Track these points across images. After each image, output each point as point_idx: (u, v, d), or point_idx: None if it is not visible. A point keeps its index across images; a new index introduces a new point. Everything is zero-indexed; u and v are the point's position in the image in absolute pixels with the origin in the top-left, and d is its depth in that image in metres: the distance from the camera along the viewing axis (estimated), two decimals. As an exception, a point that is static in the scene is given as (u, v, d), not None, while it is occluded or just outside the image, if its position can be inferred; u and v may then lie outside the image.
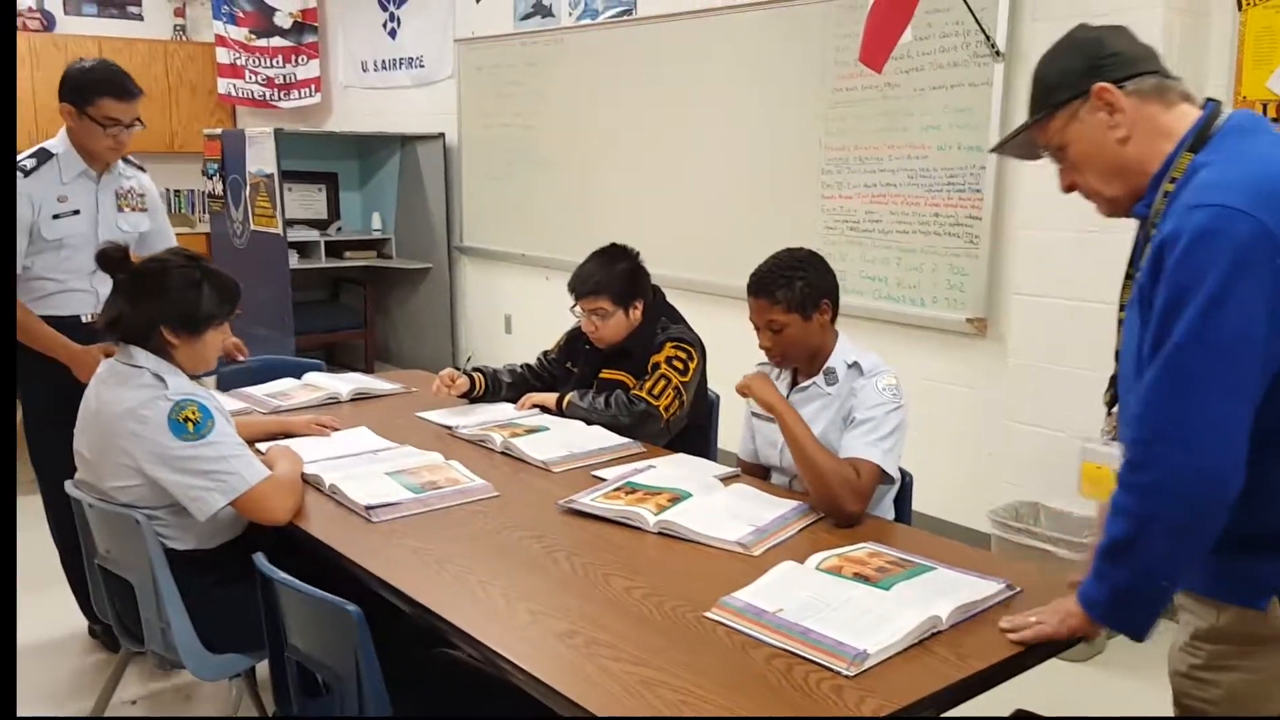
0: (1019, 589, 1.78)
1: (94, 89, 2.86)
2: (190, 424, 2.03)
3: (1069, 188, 1.59)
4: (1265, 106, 3.07)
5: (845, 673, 1.49)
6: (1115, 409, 1.58)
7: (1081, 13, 3.13)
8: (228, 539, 2.22)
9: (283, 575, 1.77)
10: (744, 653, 1.58)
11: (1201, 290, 1.32)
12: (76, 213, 2.94)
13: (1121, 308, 1.55)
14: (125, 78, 2.93)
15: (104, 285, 2.42)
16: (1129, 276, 1.56)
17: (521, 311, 5.89)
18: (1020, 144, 1.62)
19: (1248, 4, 3.08)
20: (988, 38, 3.54)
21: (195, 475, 2.04)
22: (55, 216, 2.91)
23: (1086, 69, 1.51)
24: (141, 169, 3.21)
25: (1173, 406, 1.35)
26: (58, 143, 2.95)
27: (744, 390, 2.34)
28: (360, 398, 3.17)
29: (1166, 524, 1.38)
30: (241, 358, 3.05)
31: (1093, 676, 3.10)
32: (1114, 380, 1.59)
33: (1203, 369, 1.33)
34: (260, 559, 1.83)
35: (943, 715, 1.54)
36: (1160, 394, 1.36)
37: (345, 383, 3.25)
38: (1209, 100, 1.50)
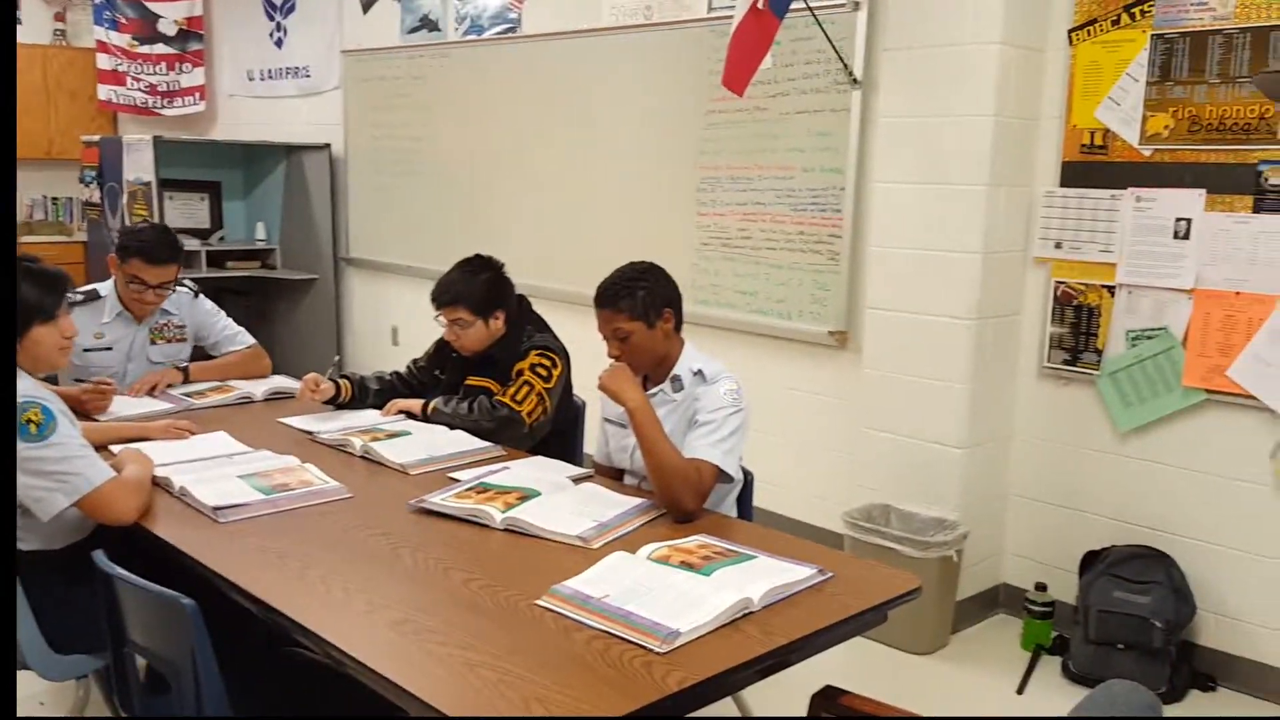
0: (831, 574, 1.91)
1: (130, 250, 3.22)
2: (33, 425, 2.04)
3: None
4: (1093, 135, 3.32)
5: (657, 650, 1.60)
6: None
7: (927, 43, 3.37)
8: (74, 540, 2.22)
9: (120, 571, 1.80)
10: (567, 636, 1.67)
11: None
12: (109, 349, 3.30)
13: None
14: (162, 245, 3.27)
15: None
16: None
17: (408, 323, 5.91)
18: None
19: (1077, 39, 3.33)
20: (845, 66, 3.74)
21: (38, 476, 2.05)
22: (86, 350, 3.23)
23: None
24: (196, 293, 3.52)
25: None
26: (107, 286, 3.33)
27: (603, 387, 2.41)
28: (274, 397, 3.30)
29: None
30: (97, 412, 2.95)
31: (936, 669, 3.28)
32: None
33: None
34: (100, 556, 1.86)
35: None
36: None
37: (260, 384, 3.38)
38: None
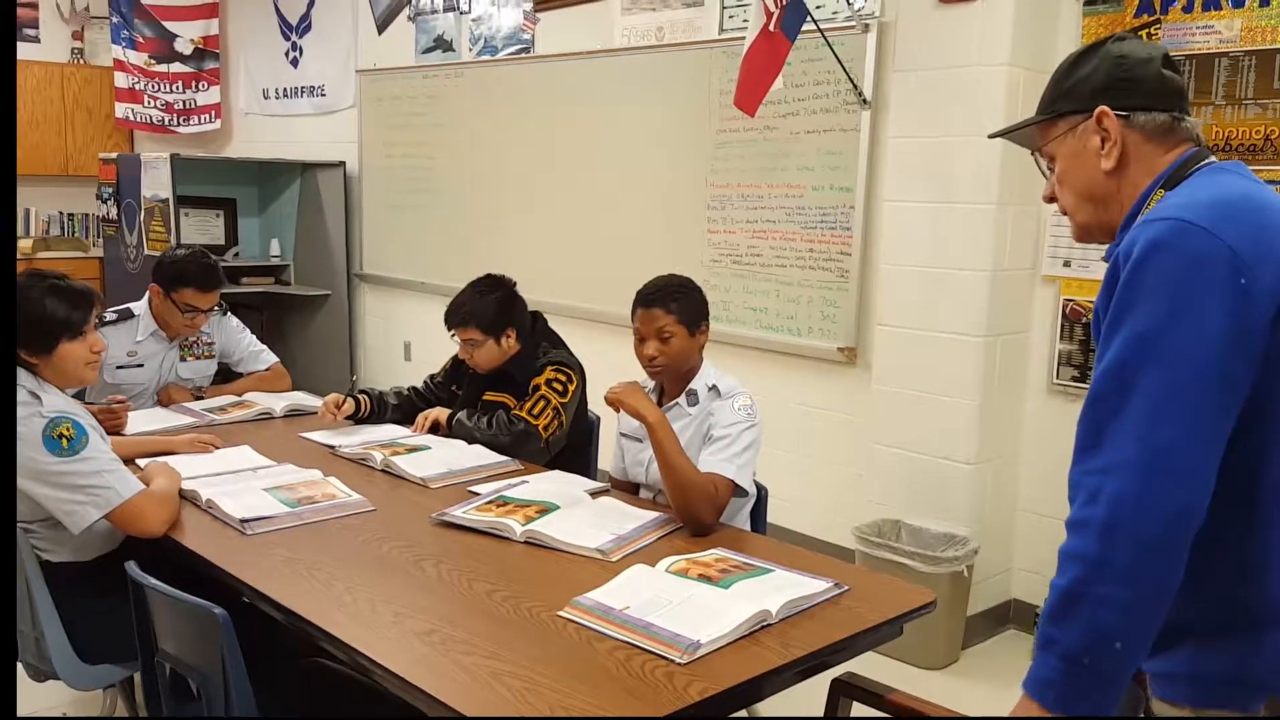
0: (847, 587, 1.95)
1: (180, 279, 3.25)
2: (65, 440, 2.09)
3: (1049, 199, 1.51)
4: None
5: (679, 661, 1.64)
6: None
7: (935, 65, 3.43)
8: (104, 552, 2.27)
9: (152, 581, 1.85)
10: (589, 646, 1.71)
11: (1152, 303, 1.22)
12: (140, 366, 3.35)
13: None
14: (211, 272, 3.31)
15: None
16: None
17: (421, 339, 5.97)
18: (1025, 135, 1.53)
19: (1085, 62, 3.38)
20: (855, 87, 3.79)
21: (70, 490, 2.10)
22: (119, 367, 3.31)
23: (1101, 86, 1.41)
24: (225, 310, 3.58)
25: (1124, 429, 1.21)
26: (141, 305, 3.38)
27: (614, 401, 2.43)
28: (294, 413, 3.32)
29: (1120, 566, 1.19)
30: (113, 431, 2.86)
31: (947, 684, 3.30)
32: None
33: (1158, 389, 1.20)
34: (132, 567, 1.90)
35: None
36: (1108, 415, 1.23)
37: (279, 400, 3.42)
38: (1196, 145, 1.44)
